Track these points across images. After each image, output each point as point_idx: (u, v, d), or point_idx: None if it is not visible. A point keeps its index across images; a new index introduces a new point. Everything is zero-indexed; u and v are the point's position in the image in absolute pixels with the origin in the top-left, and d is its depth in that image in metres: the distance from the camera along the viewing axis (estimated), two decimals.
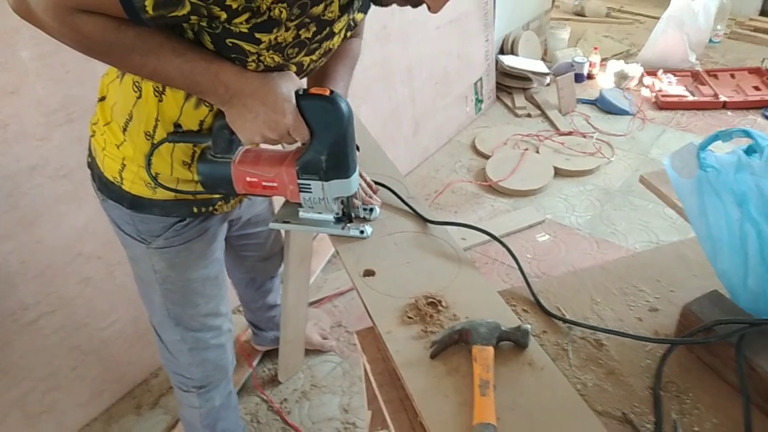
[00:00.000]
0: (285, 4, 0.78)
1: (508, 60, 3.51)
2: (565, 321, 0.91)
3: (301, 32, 0.85)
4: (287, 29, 0.83)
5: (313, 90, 0.90)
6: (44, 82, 1.50)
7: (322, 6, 0.83)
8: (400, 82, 2.66)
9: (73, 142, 1.58)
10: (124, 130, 1.01)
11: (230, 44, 0.84)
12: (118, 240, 1.23)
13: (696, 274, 0.97)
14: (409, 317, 0.88)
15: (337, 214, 1.03)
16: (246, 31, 0.81)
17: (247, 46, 0.84)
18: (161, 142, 0.99)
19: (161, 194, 1.06)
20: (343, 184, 0.95)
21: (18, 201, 1.49)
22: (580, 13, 4.71)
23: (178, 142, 1.00)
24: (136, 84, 0.96)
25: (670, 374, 0.83)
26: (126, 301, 1.80)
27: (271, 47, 0.85)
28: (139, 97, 0.97)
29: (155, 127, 0.99)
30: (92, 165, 1.13)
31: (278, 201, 1.23)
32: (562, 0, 4.75)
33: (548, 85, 3.60)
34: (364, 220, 1.07)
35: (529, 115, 3.42)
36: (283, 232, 1.62)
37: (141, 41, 0.80)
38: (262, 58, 0.86)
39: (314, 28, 0.87)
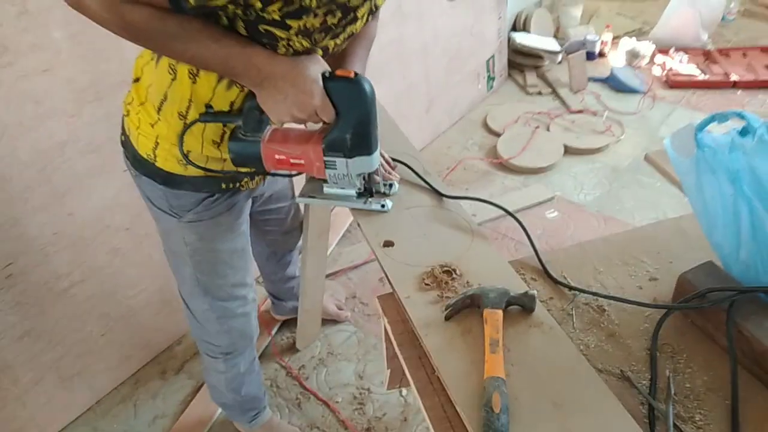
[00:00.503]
0: None
1: (521, 37, 3.54)
2: (570, 288, 0.99)
3: (327, 18, 0.92)
4: (315, 15, 0.89)
5: (339, 72, 0.96)
6: (74, 60, 1.56)
7: None
8: (415, 60, 2.71)
9: (101, 118, 1.65)
10: (159, 109, 1.08)
11: (263, 30, 0.90)
12: (149, 214, 1.30)
13: (693, 247, 1.04)
14: (426, 284, 0.96)
15: (359, 189, 1.10)
16: (278, 18, 0.88)
17: (278, 32, 0.90)
18: (194, 122, 1.05)
19: (192, 171, 1.13)
20: (365, 160, 1.02)
21: (51, 175, 1.57)
22: None
23: (209, 122, 1.06)
24: (171, 66, 1.02)
25: (665, 337, 0.91)
26: (152, 271, 1.89)
27: (300, 32, 0.91)
28: (173, 79, 1.03)
29: (188, 107, 1.05)
30: (126, 143, 1.19)
31: (298, 179, 1.31)
32: None
33: (560, 63, 3.63)
34: (384, 195, 1.14)
35: (540, 93, 3.46)
36: (302, 207, 1.70)
37: (182, 29, 0.86)
38: (291, 42, 0.93)
39: (340, 14, 0.93)
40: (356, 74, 0.96)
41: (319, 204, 1.17)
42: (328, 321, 2.10)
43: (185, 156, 1.08)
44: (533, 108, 3.29)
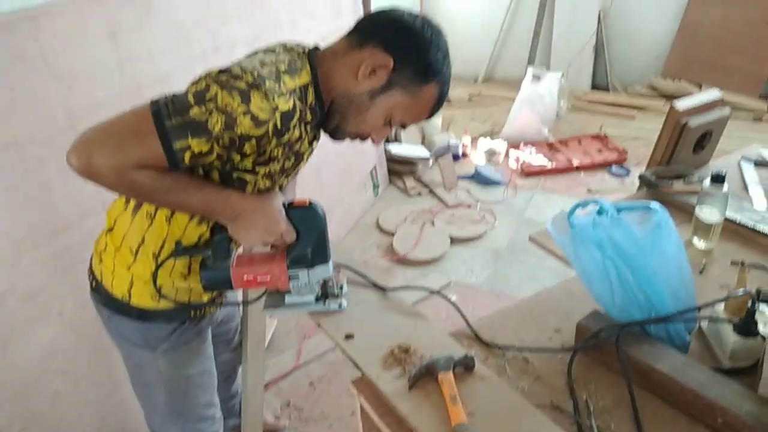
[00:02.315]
0: (282, 147, 1.09)
1: (395, 148, 3.99)
2: (499, 347, 1.25)
3: (285, 163, 1.17)
4: (278, 162, 1.14)
5: (296, 202, 1.20)
6: (12, 212, 1.66)
7: (298, 144, 1.15)
8: (309, 179, 3.00)
9: (38, 265, 1.73)
10: (136, 252, 1.23)
11: (235, 177, 1.13)
12: (121, 353, 1.39)
13: (581, 301, 1.34)
14: (390, 363, 1.17)
15: (318, 294, 1.31)
16: (249, 166, 1.11)
17: (248, 177, 1.13)
18: (166, 259, 1.21)
19: (163, 304, 1.27)
20: (324, 267, 1.24)
21: None
22: (446, 100, 5.37)
23: (181, 257, 1.22)
24: (149, 214, 1.20)
25: (577, 372, 1.18)
26: (91, 410, 1.90)
27: (265, 176, 1.15)
28: (150, 225, 1.20)
29: (161, 247, 1.22)
30: (98, 288, 1.31)
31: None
32: None
33: (431, 166, 4.11)
34: (337, 296, 1.35)
35: (419, 194, 3.89)
36: (239, 321, 1.84)
37: (175, 182, 1.05)
38: (258, 184, 1.16)
39: (293, 159, 1.19)
40: (311, 202, 1.21)
41: (285, 313, 1.35)
42: None
43: (158, 291, 1.22)
44: (417, 207, 3.69)
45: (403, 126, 1.22)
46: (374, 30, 1.14)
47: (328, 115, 1.17)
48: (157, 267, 1.21)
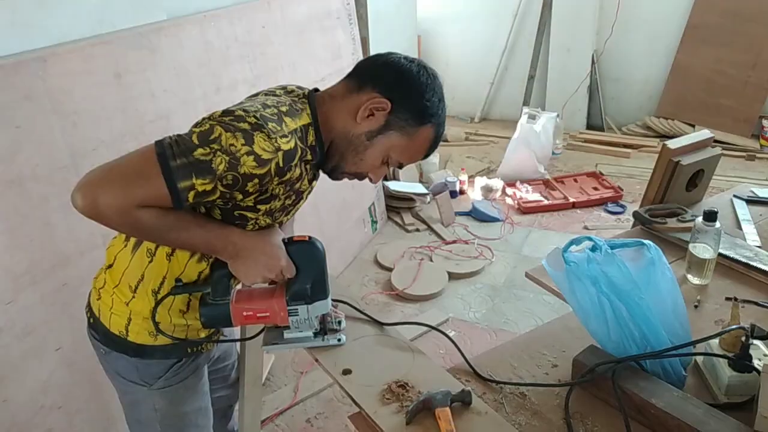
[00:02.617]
0: (283, 185, 1.12)
1: (393, 185, 4.04)
2: (496, 382, 1.25)
3: (286, 201, 1.19)
4: (279, 200, 1.16)
5: (296, 238, 1.22)
6: (12, 250, 1.68)
7: (299, 182, 1.18)
8: (309, 216, 3.04)
9: (36, 302, 1.75)
10: (135, 289, 1.24)
11: (237, 214, 1.15)
12: (116, 389, 1.38)
13: (577, 337, 1.35)
14: (387, 398, 1.18)
15: (316, 329, 1.32)
16: (251, 204, 1.14)
17: (249, 214, 1.16)
18: (166, 296, 1.22)
19: (161, 340, 1.27)
20: (323, 303, 1.25)
21: None
22: (444, 139, 5.44)
23: (180, 294, 1.23)
24: (150, 251, 1.21)
25: (574, 407, 1.18)
26: None
27: (266, 213, 1.17)
28: (150, 261, 1.22)
29: (161, 283, 1.23)
30: (95, 324, 1.31)
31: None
32: None
33: (429, 203, 4.14)
34: (335, 330, 1.36)
35: (417, 230, 3.91)
36: (236, 359, 1.84)
37: (177, 220, 1.08)
38: (258, 221, 1.18)
39: (293, 197, 1.21)
40: (310, 237, 1.23)
41: (283, 349, 1.35)
42: None
43: (157, 326, 1.22)
44: (415, 243, 3.71)
45: (400, 166, 1.25)
46: (372, 74, 1.18)
47: (328, 155, 1.21)
48: (157, 303, 1.22)
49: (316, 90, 1.23)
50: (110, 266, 1.28)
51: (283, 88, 1.22)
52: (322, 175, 1.29)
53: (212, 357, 1.59)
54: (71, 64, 1.85)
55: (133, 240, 1.23)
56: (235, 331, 1.65)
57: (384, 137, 1.17)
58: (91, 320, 1.33)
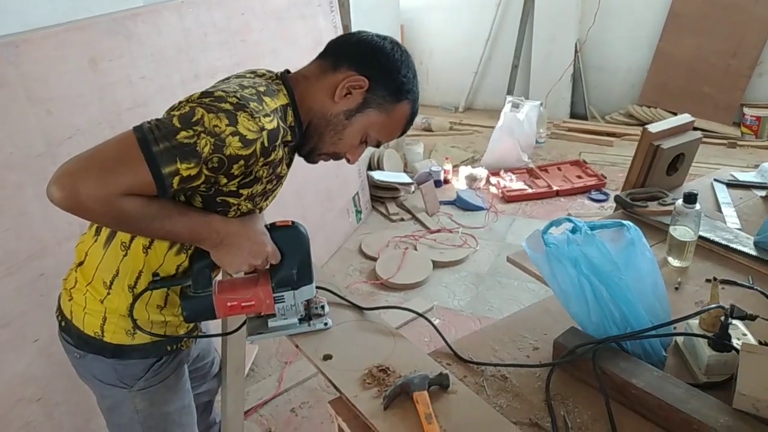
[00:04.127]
0: (267, 167, 1.10)
1: (377, 175, 4.02)
2: (477, 364, 1.25)
3: (267, 185, 1.17)
4: (261, 183, 1.14)
5: (279, 223, 1.20)
6: None
7: (280, 166, 1.16)
8: (292, 204, 3.01)
9: (12, 293, 1.71)
10: (110, 285, 1.19)
11: (219, 201, 1.11)
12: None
13: (558, 320, 1.35)
14: (368, 383, 1.17)
15: (302, 315, 1.30)
16: (234, 189, 1.10)
17: (231, 200, 1.12)
18: (143, 291, 1.17)
19: (139, 339, 1.23)
20: (308, 288, 1.23)
21: None
22: (428, 129, 5.45)
23: (158, 289, 1.19)
24: (124, 244, 1.16)
25: (555, 388, 1.18)
26: None
27: (247, 198, 1.15)
28: (125, 255, 1.17)
29: (137, 278, 1.18)
30: (67, 327, 1.25)
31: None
32: None
33: (413, 192, 4.14)
34: (319, 315, 1.34)
35: (402, 219, 3.90)
36: (219, 348, 1.82)
37: (161, 210, 1.03)
38: (240, 207, 1.15)
39: (274, 181, 1.19)
40: (293, 222, 1.21)
41: (268, 338, 1.32)
42: None
43: (135, 323, 1.18)
44: (399, 232, 3.70)
45: (377, 144, 1.24)
46: (347, 52, 1.17)
47: (306, 136, 1.19)
48: (135, 299, 1.18)
49: (287, 71, 1.21)
50: (81, 264, 1.23)
51: (253, 72, 1.19)
52: (305, 165, 1.27)
53: (191, 356, 1.56)
54: (45, 50, 1.80)
55: (104, 234, 1.19)
56: (211, 327, 1.62)
57: (362, 115, 1.17)
58: (63, 323, 1.27)
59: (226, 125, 0.98)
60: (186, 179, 1.00)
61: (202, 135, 0.98)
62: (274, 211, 1.32)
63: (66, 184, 0.94)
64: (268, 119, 1.04)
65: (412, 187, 4.13)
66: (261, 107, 1.04)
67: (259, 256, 1.16)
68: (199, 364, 1.67)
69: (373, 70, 1.15)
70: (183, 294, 1.20)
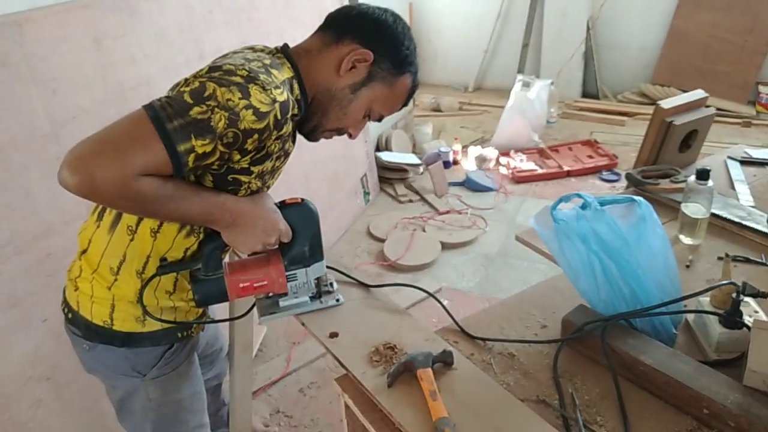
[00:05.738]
0: (278, 141, 1.08)
1: (386, 156, 3.99)
2: (484, 340, 1.24)
3: (276, 162, 1.16)
4: (271, 160, 1.12)
5: (289, 200, 1.19)
6: None
7: (288, 142, 1.15)
8: (299, 186, 3.00)
9: (20, 273, 1.72)
10: (117, 271, 1.17)
11: (230, 179, 1.09)
12: (105, 386, 1.33)
13: (567, 297, 1.33)
14: (376, 360, 1.16)
15: (314, 293, 1.29)
16: (246, 166, 1.08)
17: (242, 178, 1.10)
18: (153, 276, 1.15)
19: (149, 326, 1.22)
20: (320, 265, 1.23)
21: None
22: (437, 109, 5.40)
23: (168, 273, 1.17)
24: (130, 228, 1.14)
25: (562, 366, 1.17)
26: (74, 418, 1.87)
27: (258, 176, 1.12)
28: (132, 240, 1.14)
29: (146, 263, 1.16)
30: (75, 318, 1.23)
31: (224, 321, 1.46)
32: (421, 99, 5.43)
33: (422, 173, 4.11)
34: (329, 292, 1.32)
35: (410, 201, 3.88)
36: (226, 331, 1.81)
37: (176, 190, 1.00)
38: (251, 185, 1.13)
39: (282, 158, 1.18)
40: (302, 199, 1.19)
41: (281, 317, 1.29)
42: None
43: (145, 309, 1.16)
44: (407, 214, 3.68)
45: (380, 118, 1.22)
46: (349, 25, 1.15)
47: (309, 112, 1.17)
48: (144, 284, 1.16)
49: (287, 46, 1.18)
50: (85, 251, 1.21)
51: (251, 47, 1.16)
52: (312, 147, 1.25)
53: (200, 345, 1.56)
54: (48, 30, 1.79)
55: (107, 219, 1.16)
56: (218, 312, 1.59)
57: (367, 89, 1.15)
58: (69, 315, 1.25)
59: (239, 98, 0.96)
60: (201, 156, 0.97)
61: (216, 110, 0.95)
62: (283, 194, 1.30)
63: (80, 169, 0.91)
64: (278, 91, 1.01)
65: (421, 168, 4.10)
66: (270, 79, 1.02)
67: (272, 235, 1.14)
68: (209, 351, 1.67)
69: (377, 43, 1.13)
70: (193, 277, 1.19)
